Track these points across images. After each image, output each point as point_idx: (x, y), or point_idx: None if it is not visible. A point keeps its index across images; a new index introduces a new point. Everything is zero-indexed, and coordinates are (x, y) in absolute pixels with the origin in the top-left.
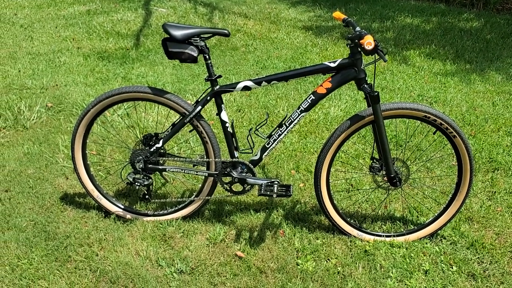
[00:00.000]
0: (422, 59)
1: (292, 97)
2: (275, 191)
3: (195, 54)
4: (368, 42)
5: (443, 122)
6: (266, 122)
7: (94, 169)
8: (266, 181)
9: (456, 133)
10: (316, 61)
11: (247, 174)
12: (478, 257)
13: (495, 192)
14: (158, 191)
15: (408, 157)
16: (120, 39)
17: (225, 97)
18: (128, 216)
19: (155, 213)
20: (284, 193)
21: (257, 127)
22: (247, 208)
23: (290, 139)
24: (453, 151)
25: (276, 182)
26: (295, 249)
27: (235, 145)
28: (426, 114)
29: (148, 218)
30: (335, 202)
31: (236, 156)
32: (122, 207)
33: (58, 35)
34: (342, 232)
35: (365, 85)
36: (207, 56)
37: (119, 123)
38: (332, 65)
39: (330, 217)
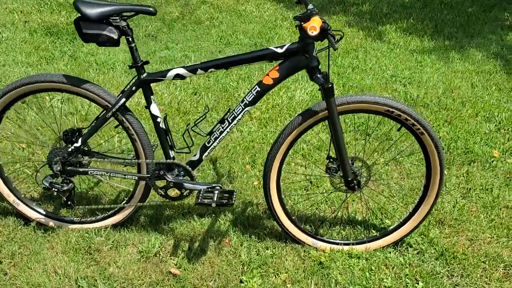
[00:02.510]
0: (399, 34)
1: (256, 78)
2: (215, 199)
3: (115, 37)
4: (312, 26)
5: (408, 117)
6: (205, 117)
7: (9, 169)
8: (205, 187)
9: (423, 130)
10: (285, 37)
11: (184, 178)
12: (448, 270)
13: (470, 188)
14: (88, 193)
15: (371, 154)
16: (74, 12)
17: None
18: (51, 223)
19: (82, 220)
20: (225, 201)
21: (196, 122)
22: (190, 212)
23: (248, 127)
24: (420, 149)
25: (218, 188)
26: (241, 262)
27: (170, 143)
28: (389, 109)
29: (74, 226)
30: (287, 207)
31: (172, 156)
32: (44, 213)
33: (5, 7)
34: (295, 240)
35: (318, 75)
36: (130, 39)
37: (59, 109)
38: (279, 50)
39: (281, 224)
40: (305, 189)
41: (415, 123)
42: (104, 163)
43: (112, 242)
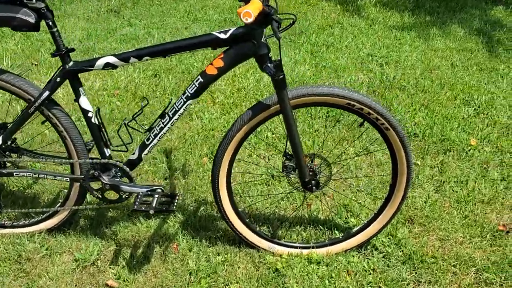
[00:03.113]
0: (378, 9)
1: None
2: (154, 204)
3: (32, 20)
4: (246, 12)
5: (371, 111)
6: (142, 111)
7: None
8: (145, 189)
9: (388, 125)
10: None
11: (121, 179)
12: (415, 276)
13: (444, 181)
14: (25, 193)
15: (332, 150)
16: None
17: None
18: None
19: (14, 224)
20: (165, 207)
21: (134, 116)
22: (135, 213)
23: (209, 114)
24: (385, 145)
25: (159, 191)
26: (188, 271)
27: (104, 140)
28: (350, 102)
29: (4, 231)
30: (239, 209)
31: (108, 155)
32: None
33: None
34: (250, 245)
35: (269, 64)
36: (51, 23)
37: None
38: (223, 36)
39: (233, 227)
40: (266, 185)
41: (379, 117)
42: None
43: (47, 249)
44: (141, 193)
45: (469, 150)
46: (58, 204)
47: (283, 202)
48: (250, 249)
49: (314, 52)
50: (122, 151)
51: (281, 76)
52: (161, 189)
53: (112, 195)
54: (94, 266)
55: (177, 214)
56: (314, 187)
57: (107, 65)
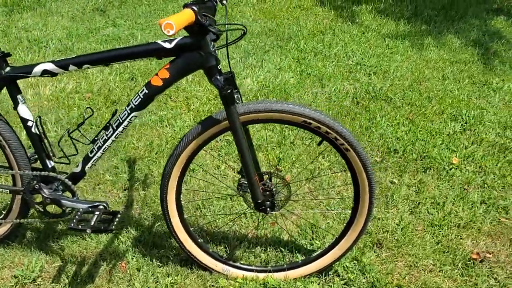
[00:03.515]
0: (373, 16)
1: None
2: (92, 223)
3: None
4: (167, 24)
5: (330, 130)
6: (83, 123)
7: None
8: (86, 206)
9: (349, 146)
10: (248, 16)
11: (63, 194)
12: None
13: (420, 202)
14: None
15: (290, 168)
16: None
17: None
18: None
19: None
20: (104, 226)
21: (78, 127)
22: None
23: (182, 121)
24: (346, 167)
25: (101, 208)
26: None
27: (46, 151)
28: (306, 119)
29: None
30: (190, 229)
31: (51, 167)
32: None
33: None
34: (202, 267)
35: (218, 77)
36: None
37: None
38: (168, 45)
39: (184, 248)
40: (230, 199)
41: (338, 137)
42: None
43: None
44: (81, 210)
45: (450, 169)
46: (1, 217)
47: (245, 220)
48: (203, 271)
49: (301, 59)
50: (64, 163)
51: (227, 91)
52: (103, 205)
53: (55, 209)
54: (35, 284)
55: (130, 229)
56: (268, 209)
57: (45, 72)
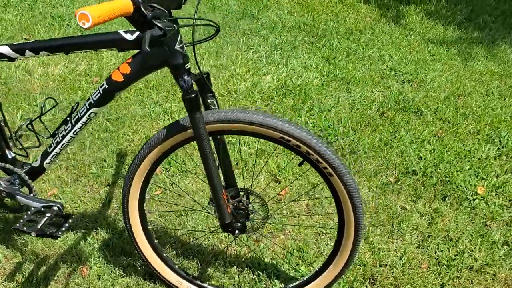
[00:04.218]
0: (420, 18)
1: (217, 44)
2: (39, 226)
3: None
4: (82, 14)
5: (310, 151)
6: (42, 113)
7: None
8: (40, 205)
9: (332, 170)
10: (287, 6)
11: (19, 188)
12: None
13: (430, 235)
14: None
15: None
16: None
17: None
18: None
19: None
20: (52, 231)
21: (40, 117)
22: None
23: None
24: (330, 193)
25: (55, 209)
26: None
27: (5, 140)
28: (284, 136)
29: None
30: (155, 242)
31: (10, 158)
32: None
33: None
34: (166, 284)
35: (185, 77)
36: None
37: None
38: (129, 37)
39: (147, 261)
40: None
41: (320, 159)
42: None
43: None
44: (33, 209)
45: (474, 200)
46: None
47: (225, 234)
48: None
49: (331, 58)
50: (22, 155)
51: (193, 95)
52: (58, 207)
53: (14, 203)
54: None
55: (100, 231)
56: (237, 231)
57: (1, 56)
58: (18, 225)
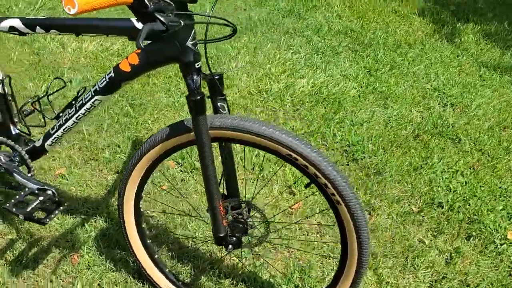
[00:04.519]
0: (476, 39)
1: (257, 40)
2: (28, 209)
3: None
4: (67, 1)
5: (319, 174)
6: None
7: None
8: (36, 187)
9: (340, 198)
10: (333, 10)
11: (18, 166)
12: None
13: (445, 277)
14: None
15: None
16: None
17: None
18: None
19: None
20: (39, 218)
21: (48, 95)
22: None
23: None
24: (335, 221)
25: (49, 193)
26: None
27: (10, 115)
28: (291, 153)
29: None
30: (147, 242)
31: (14, 133)
32: None
33: None
34: (154, 286)
35: (194, 77)
36: None
37: None
38: (140, 26)
39: (138, 261)
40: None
41: (329, 184)
42: None
43: None
44: (27, 190)
45: (502, 245)
46: None
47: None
48: None
49: (373, 70)
50: (25, 133)
51: (199, 97)
52: (52, 191)
53: (13, 180)
54: None
55: (99, 219)
56: (230, 246)
57: (12, 29)
58: (8, 205)
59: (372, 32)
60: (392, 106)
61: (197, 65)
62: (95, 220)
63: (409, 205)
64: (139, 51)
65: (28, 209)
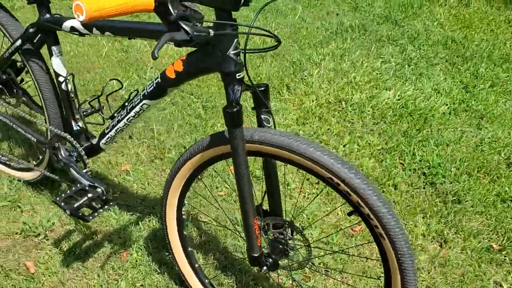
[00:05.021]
0: None
1: (345, 46)
2: (76, 205)
3: None
4: (77, 6)
5: (362, 203)
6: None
7: None
8: (87, 183)
9: (383, 231)
10: (436, 18)
11: (76, 161)
12: None
13: None
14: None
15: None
16: None
17: None
18: None
19: (6, 162)
20: (83, 214)
21: (107, 94)
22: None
23: (284, 118)
24: (379, 257)
25: (99, 191)
26: None
27: (72, 112)
28: (333, 177)
29: None
30: (189, 250)
31: (75, 129)
32: None
33: None
34: None
35: (235, 87)
36: None
37: None
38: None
39: (181, 272)
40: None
41: (372, 215)
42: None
43: (9, 200)
44: (79, 185)
45: None
46: (35, 163)
47: None
48: None
49: (470, 86)
50: (93, 122)
51: (235, 109)
52: (102, 190)
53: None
54: (35, 238)
55: (152, 219)
56: (265, 267)
57: (73, 29)
58: (58, 199)
59: (476, 44)
60: (487, 127)
61: (238, 75)
62: (149, 220)
63: (489, 241)
64: (184, 58)
65: (76, 205)
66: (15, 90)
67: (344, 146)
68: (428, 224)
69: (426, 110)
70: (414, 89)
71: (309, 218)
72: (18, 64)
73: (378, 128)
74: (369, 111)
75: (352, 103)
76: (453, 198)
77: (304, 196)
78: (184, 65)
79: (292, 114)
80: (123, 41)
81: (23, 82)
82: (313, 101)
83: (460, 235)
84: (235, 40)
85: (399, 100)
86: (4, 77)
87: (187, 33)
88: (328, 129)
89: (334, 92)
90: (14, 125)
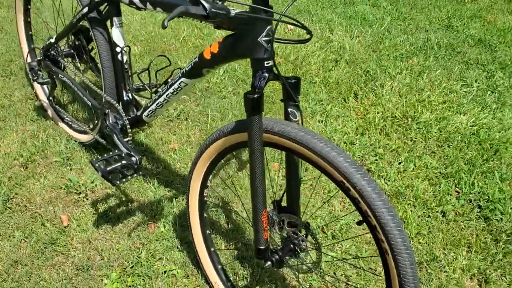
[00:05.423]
0: None
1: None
2: (109, 168)
3: None
4: None
5: (370, 213)
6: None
7: None
8: (125, 151)
9: (388, 247)
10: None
11: (120, 129)
12: None
13: None
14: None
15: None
16: None
17: None
18: (49, 111)
19: (69, 122)
20: (113, 177)
21: (157, 71)
22: (159, 174)
23: (343, 125)
24: (382, 272)
25: (133, 159)
26: (135, 258)
27: (125, 83)
28: (345, 182)
29: (61, 124)
30: (207, 238)
31: (126, 100)
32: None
33: None
34: (204, 277)
35: (263, 74)
36: None
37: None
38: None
39: (197, 254)
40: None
41: (379, 228)
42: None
43: (62, 157)
44: (116, 151)
45: None
46: (91, 127)
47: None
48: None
49: (502, 91)
50: (143, 93)
51: (256, 95)
52: (137, 159)
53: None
54: (76, 195)
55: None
56: (269, 262)
57: (131, 3)
58: (94, 159)
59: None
60: None
61: (267, 63)
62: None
63: None
64: (221, 40)
65: (108, 168)
66: (84, 57)
67: (399, 163)
68: (471, 260)
69: (500, 142)
70: (492, 118)
71: (342, 228)
72: (90, 33)
73: (440, 151)
74: (435, 132)
75: (418, 121)
76: (507, 238)
77: (344, 206)
78: (219, 47)
79: (352, 122)
80: (203, 28)
81: (93, 50)
82: (378, 113)
83: (506, 278)
84: (268, 27)
85: (472, 126)
86: (76, 43)
87: (204, 9)
88: (387, 144)
89: (403, 108)
90: (76, 88)
